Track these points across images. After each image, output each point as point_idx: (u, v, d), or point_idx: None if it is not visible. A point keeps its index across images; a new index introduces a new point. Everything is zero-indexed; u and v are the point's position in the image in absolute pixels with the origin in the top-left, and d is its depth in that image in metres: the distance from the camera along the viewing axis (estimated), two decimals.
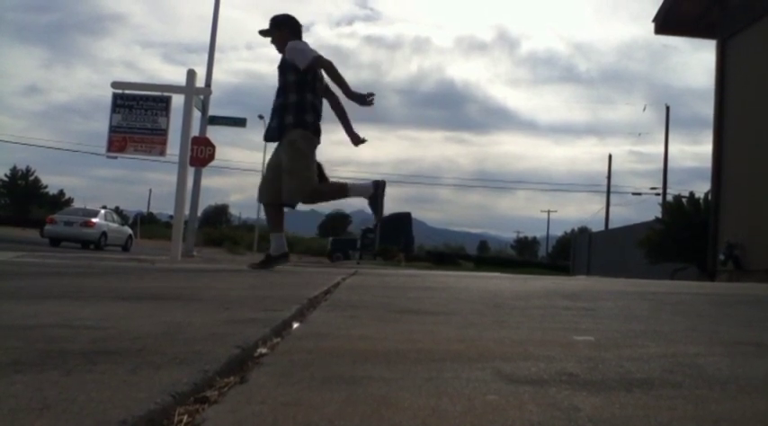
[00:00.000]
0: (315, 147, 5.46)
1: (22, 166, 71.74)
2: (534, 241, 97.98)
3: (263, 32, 5.62)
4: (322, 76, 5.53)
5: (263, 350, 1.56)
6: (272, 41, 5.57)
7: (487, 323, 2.29)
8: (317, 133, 5.44)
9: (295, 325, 2.05)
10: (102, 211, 26.41)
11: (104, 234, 24.47)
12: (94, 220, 24.21)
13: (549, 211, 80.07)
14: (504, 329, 2.15)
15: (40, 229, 26.50)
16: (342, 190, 5.64)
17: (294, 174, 5.30)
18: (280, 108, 5.40)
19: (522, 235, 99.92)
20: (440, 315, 2.50)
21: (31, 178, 72.09)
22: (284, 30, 5.55)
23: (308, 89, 5.36)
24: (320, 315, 2.38)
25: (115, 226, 26.49)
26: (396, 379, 1.28)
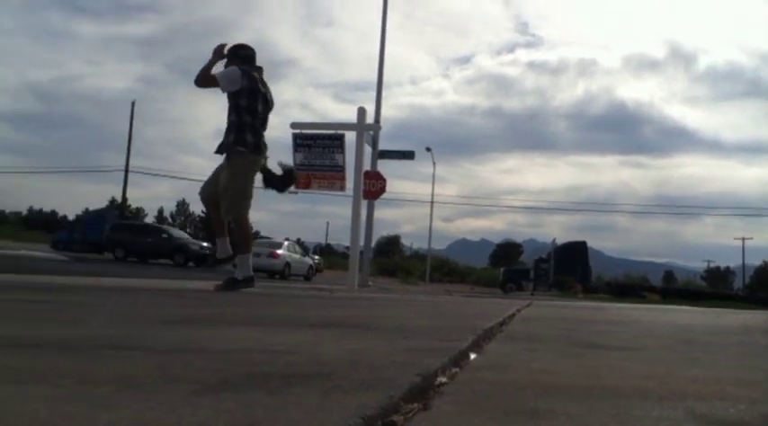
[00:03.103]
0: (254, 166, 6.06)
1: None
2: (728, 271, 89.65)
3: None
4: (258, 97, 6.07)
5: (443, 379, 1.58)
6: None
7: (678, 360, 2.14)
8: (257, 152, 6.04)
9: (472, 356, 2.06)
10: (286, 243, 28.16)
11: (288, 264, 26.03)
12: (279, 252, 25.85)
13: (743, 238, 72.96)
14: (697, 367, 2.00)
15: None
16: (245, 244, 6.18)
17: (224, 191, 5.91)
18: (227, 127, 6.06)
19: (713, 265, 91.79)
20: (625, 351, 2.38)
21: None
22: (235, 60, 6.11)
23: (242, 111, 5.96)
24: (497, 347, 2.37)
25: (297, 256, 28.10)
26: (580, 415, 1.24)
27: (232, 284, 6.01)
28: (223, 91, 5.99)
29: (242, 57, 6.16)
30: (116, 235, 28.88)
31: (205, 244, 28.20)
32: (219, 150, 6.06)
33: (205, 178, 6.35)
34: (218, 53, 6.09)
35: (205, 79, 6.02)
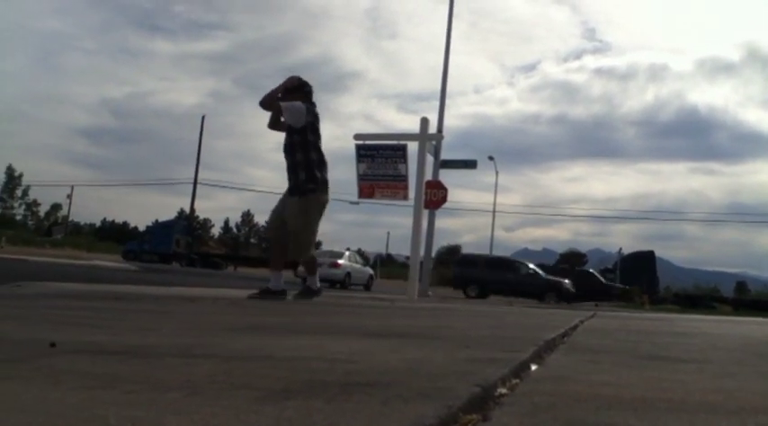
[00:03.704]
0: (322, 206, 6.19)
1: None
2: None
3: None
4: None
5: (503, 390, 1.58)
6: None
7: (748, 374, 2.07)
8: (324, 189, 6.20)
9: (533, 367, 2.04)
10: (347, 253, 28.37)
11: (348, 274, 26.21)
12: (340, 262, 26.05)
13: None
14: None
15: (294, 270, 29.27)
16: (313, 266, 6.45)
17: (296, 235, 6.03)
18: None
19: None
20: (691, 363, 2.31)
21: None
22: (299, 95, 6.14)
23: (310, 148, 6.11)
24: (558, 358, 2.34)
25: (358, 266, 28.28)
26: None
27: (265, 293, 6.17)
28: (285, 122, 6.10)
29: (306, 93, 6.26)
30: (466, 271, 28.19)
31: (567, 281, 27.42)
32: (292, 192, 6.13)
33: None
34: (291, 83, 6.19)
35: (271, 105, 6.15)
